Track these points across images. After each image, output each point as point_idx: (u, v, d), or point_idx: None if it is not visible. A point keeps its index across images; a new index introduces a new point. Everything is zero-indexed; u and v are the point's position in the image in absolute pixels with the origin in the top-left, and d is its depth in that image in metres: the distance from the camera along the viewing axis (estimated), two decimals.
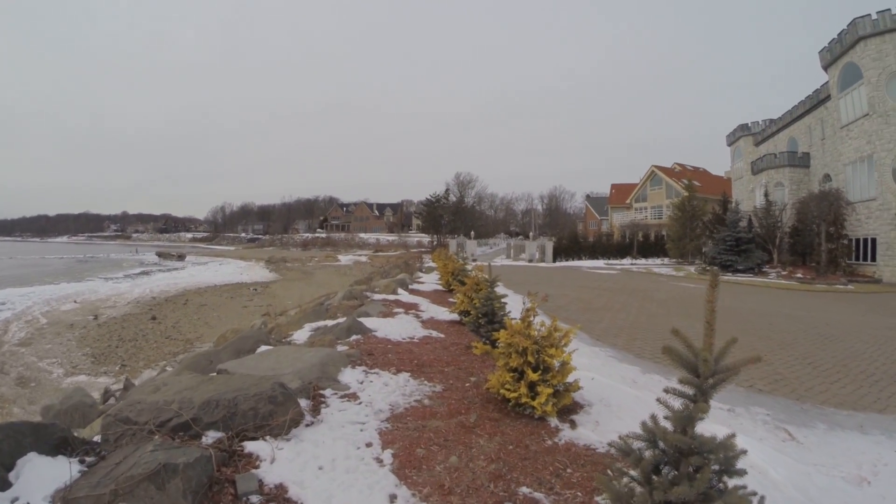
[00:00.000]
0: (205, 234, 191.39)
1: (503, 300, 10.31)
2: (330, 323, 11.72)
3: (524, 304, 7.01)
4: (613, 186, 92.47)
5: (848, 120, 38.08)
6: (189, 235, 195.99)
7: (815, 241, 37.86)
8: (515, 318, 7.06)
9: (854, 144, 37.34)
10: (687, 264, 49.89)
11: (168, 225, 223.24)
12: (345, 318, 10.94)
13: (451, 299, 17.26)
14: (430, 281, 24.59)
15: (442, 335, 10.83)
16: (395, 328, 10.78)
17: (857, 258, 36.46)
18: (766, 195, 43.79)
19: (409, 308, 14.00)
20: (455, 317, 12.59)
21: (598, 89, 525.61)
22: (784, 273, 35.97)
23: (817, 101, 43.84)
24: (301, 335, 10.92)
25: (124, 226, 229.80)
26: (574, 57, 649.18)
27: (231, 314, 31.72)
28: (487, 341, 9.18)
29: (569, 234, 70.46)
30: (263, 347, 9.00)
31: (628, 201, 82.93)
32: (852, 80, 37.31)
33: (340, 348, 8.63)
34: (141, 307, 34.36)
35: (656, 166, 77.92)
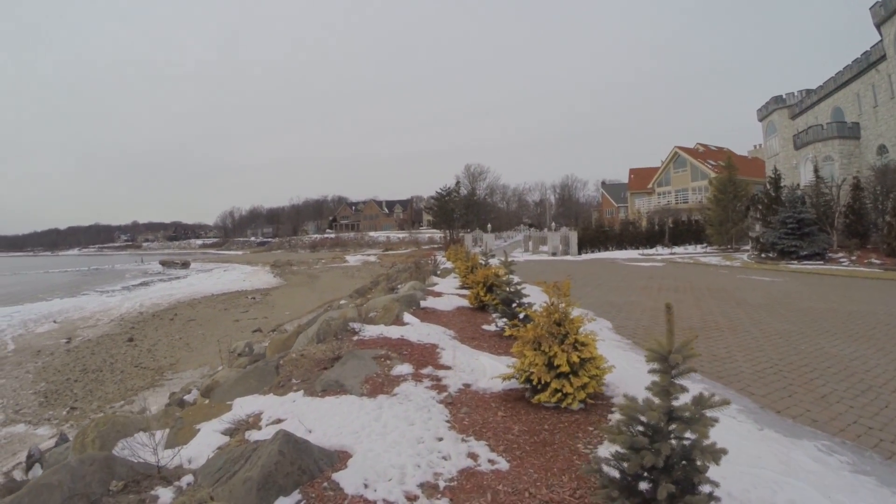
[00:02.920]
0: (215, 240, 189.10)
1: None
2: (272, 404, 5.88)
3: None
4: (632, 171, 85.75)
5: None
6: (199, 242, 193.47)
7: (881, 220, 32.02)
8: None
9: None
10: (733, 251, 44.40)
11: (178, 232, 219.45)
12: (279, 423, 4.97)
13: (485, 326, 11.42)
14: (449, 289, 18.25)
15: (504, 460, 4.57)
16: (394, 447, 4.49)
17: None
18: (815, 171, 37.74)
19: (423, 361, 7.71)
20: (512, 384, 6.45)
21: (604, 72, 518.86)
22: (853, 258, 30.10)
23: (867, 64, 38.05)
24: (203, 444, 5.22)
25: (134, 235, 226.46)
26: (581, 43, 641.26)
27: (219, 331, 27.53)
28: None
29: (594, 223, 65.84)
30: None
31: (650, 186, 77.01)
32: None
33: None
34: (123, 326, 30.73)
35: (679, 147, 71.80)
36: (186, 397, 12.37)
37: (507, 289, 10.37)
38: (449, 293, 16.91)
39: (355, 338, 8.92)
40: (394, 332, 9.40)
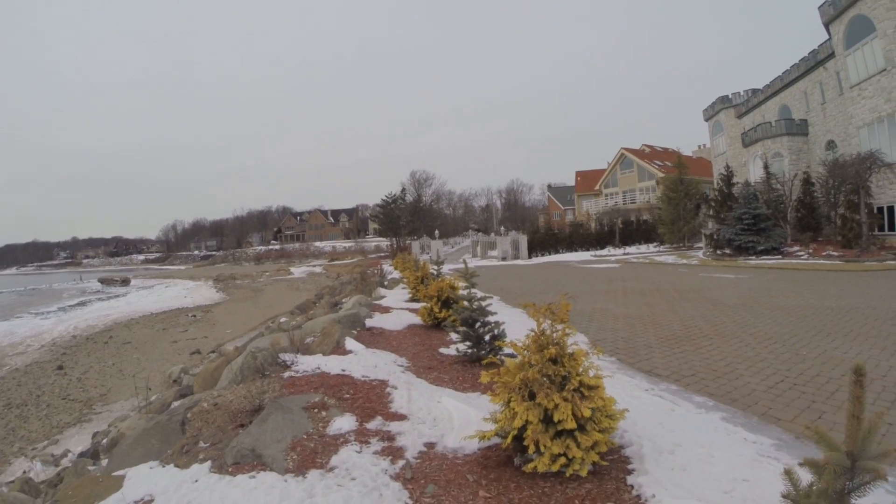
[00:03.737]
0: (157, 255, 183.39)
1: None
2: (168, 485, 4.19)
3: None
4: (578, 174, 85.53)
5: (859, 78, 32.74)
6: (141, 257, 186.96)
7: (832, 213, 32.64)
8: None
9: (869, 104, 32.04)
10: (686, 249, 44.26)
11: (119, 248, 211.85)
12: None
13: (443, 349, 9.50)
14: (398, 303, 16.47)
15: None
16: None
17: (881, 229, 31.04)
18: (765, 167, 38.05)
19: (369, 407, 5.79)
20: (493, 440, 4.76)
21: (547, 79, 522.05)
22: (809, 251, 29.76)
23: (815, 62, 38.56)
24: None
25: (74, 252, 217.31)
26: (524, 52, 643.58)
27: (155, 354, 25.75)
28: None
29: (542, 226, 65.15)
30: None
31: (597, 188, 76.85)
32: (862, 34, 31.99)
33: None
34: (54, 352, 28.29)
35: (625, 148, 71.89)
36: (104, 441, 10.60)
37: (469, 305, 8.51)
38: (398, 308, 15.09)
39: (286, 374, 7.05)
40: (334, 364, 7.57)
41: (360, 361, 7.72)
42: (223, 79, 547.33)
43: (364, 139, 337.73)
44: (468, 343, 8.31)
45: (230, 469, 4.48)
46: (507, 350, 6.85)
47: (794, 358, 8.60)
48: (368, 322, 11.85)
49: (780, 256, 29.90)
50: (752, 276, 22.76)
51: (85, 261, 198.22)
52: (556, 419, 3.96)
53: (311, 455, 4.63)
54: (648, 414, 5.72)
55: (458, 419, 5.23)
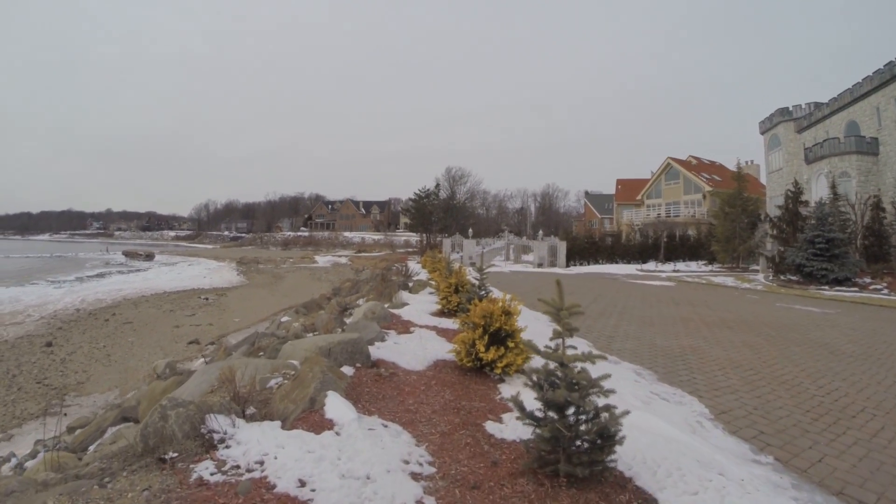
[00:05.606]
0: (188, 233, 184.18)
1: None
2: None
3: None
4: (619, 182, 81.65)
5: None
6: (172, 234, 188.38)
7: None
8: None
9: None
10: (742, 270, 40.49)
11: (151, 223, 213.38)
12: None
13: (491, 427, 5.34)
14: (422, 316, 12.56)
15: None
16: None
17: None
18: (833, 187, 34.00)
19: None
20: None
21: (591, 83, 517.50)
22: (884, 285, 25.86)
23: (890, 76, 34.31)
24: None
25: (107, 223, 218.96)
26: (572, 55, 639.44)
27: (152, 339, 23.49)
28: None
29: (585, 234, 61.78)
30: None
31: (639, 197, 72.90)
32: None
33: None
34: (51, 325, 26.37)
35: (672, 158, 67.82)
36: (30, 463, 8.54)
37: (561, 374, 4.08)
38: (422, 325, 11.34)
39: (198, 471, 3.39)
40: (289, 458, 3.76)
41: (341, 457, 3.89)
42: (263, 64, 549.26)
43: (402, 132, 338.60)
44: (551, 444, 3.96)
45: None
46: None
47: None
48: (376, 350, 7.91)
49: (856, 289, 25.89)
50: (841, 311, 19.08)
51: (117, 233, 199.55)
52: None
53: None
54: None
55: None
